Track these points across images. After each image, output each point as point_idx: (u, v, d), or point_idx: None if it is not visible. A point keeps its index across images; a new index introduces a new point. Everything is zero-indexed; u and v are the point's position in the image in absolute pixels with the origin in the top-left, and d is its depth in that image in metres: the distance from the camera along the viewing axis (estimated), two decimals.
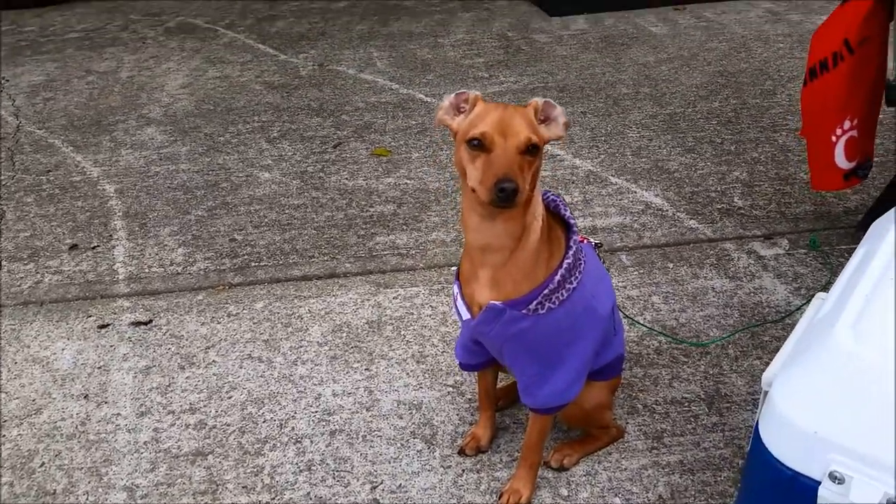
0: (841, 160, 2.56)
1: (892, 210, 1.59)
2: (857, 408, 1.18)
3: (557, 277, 1.61)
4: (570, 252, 1.64)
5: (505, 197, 1.42)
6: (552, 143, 3.61)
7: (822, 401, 1.22)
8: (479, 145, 1.48)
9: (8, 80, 4.85)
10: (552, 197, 1.71)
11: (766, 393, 1.42)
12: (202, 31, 5.63)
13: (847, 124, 2.52)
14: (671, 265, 2.71)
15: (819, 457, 1.20)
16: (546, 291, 1.60)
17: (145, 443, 2.10)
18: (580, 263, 1.67)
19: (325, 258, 2.86)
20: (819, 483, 1.20)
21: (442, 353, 2.35)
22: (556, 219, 1.71)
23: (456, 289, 1.73)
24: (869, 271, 1.40)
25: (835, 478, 1.18)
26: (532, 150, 1.49)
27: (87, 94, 4.57)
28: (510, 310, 1.61)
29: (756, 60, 4.50)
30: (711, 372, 2.23)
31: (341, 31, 5.50)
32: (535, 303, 1.60)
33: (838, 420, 1.19)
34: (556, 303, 1.62)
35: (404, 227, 3.02)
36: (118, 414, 2.20)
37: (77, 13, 6.33)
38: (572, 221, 1.69)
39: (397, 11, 5.90)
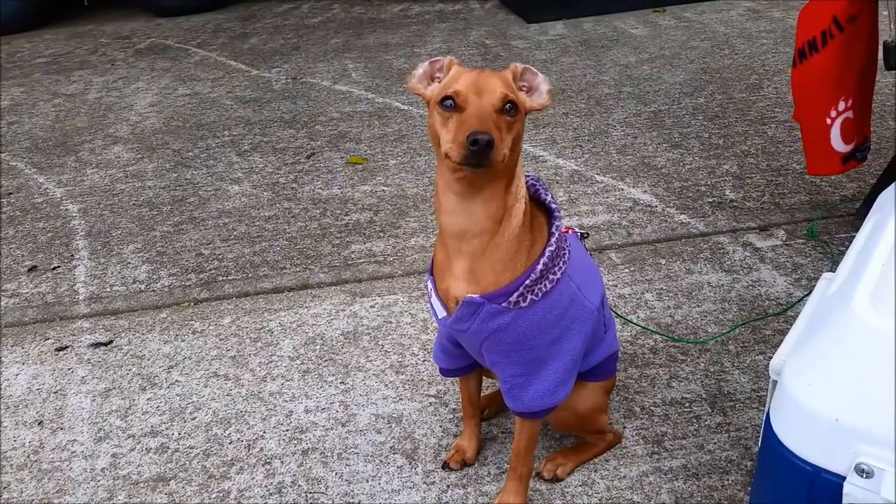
0: (838, 143, 2.43)
1: None
2: (883, 389, 1.03)
3: (540, 266, 1.46)
4: (553, 239, 1.50)
5: (479, 151, 1.26)
6: (535, 144, 3.49)
7: (843, 383, 1.07)
8: (451, 106, 1.34)
9: None
10: (531, 180, 1.56)
11: (774, 383, 1.27)
12: (173, 51, 5.50)
13: (842, 105, 2.39)
14: (663, 261, 2.56)
15: (843, 448, 1.05)
16: (528, 282, 1.45)
17: (103, 469, 1.93)
18: (564, 252, 1.52)
19: (298, 269, 2.70)
20: (844, 478, 1.05)
21: (422, 362, 2.19)
22: (537, 204, 1.56)
23: (430, 284, 1.57)
24: (883, 241, 1.26)
25: (862, 471, 1.03)
26: (510, 110, 1.35)
27: (53, 116, 4.42)
28: (488, 303, 1.46)
29: (740, 56, 4.39)
30: (712, 370, 2.08)
31: (315, 45, 5.38)
32: (515, 294, 1.45)
33: (863, 404, 1.04)
34: (539, 295, 1.47)
35: (381, 234, 2.87)
36: (74, 440, 2.03)
37: (45, 39, 6.18)
38: (554, 206, 1.54)
39: (372, 24, 5.79)
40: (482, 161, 1.29)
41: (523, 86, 1.46)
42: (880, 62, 2.49)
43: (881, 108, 3.38)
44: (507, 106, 1.35)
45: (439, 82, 1.45)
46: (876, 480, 1.02)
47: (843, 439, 1.04)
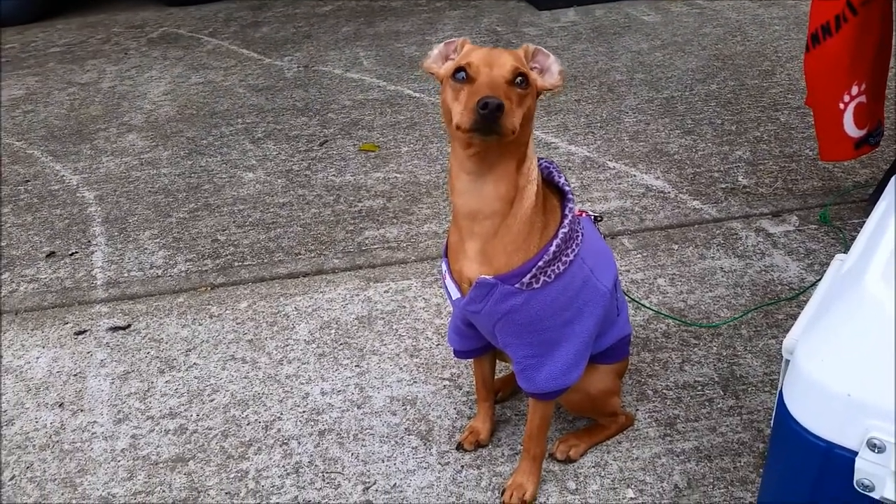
0: (851, 128, 2.43)
1: None
2: (894, 365, 1.05)
3: (553, 248, 1.48)
4: (566, 221, 1.51)
5: (489, 114, 1.27)
6: (547, 130, 3.50)
7: (855, 359, 1.09)
8: (464, 78, 1.36)
9: None
10: (545, 163, 1.58)
11: (787, 362, 1.28)
12: (185, 40, 5.52)
13: (855, 90, 2.39)
14: (676, 247, 2.57)
15: (855, 423, 1.06)
16: (541, 263, 1.47)
17: (123, 450, 1.96)
18: (577, 234, 1.54)
19: (312, 255, 2.72)
20: (856, 454, 1.07)
21: (436, 345, 2.21)
22: (550, 187, 1.58)
23: (444, 266, 1.59)
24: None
25: (874, 446, 1.05)
26: (521, 83, 1.37)
27: (68, 105, 4.45)
28: (501, 284, 1.48)
29: (752, 43, 4.38)
30: (724, 354, 2.09)
31: (327, 33, 5.39)
32: (528, 276, 1.47)
33: (874, 380, 1.05)
34: (552, 276, 1.49)
35: (395, 220, 2.89)
36: (94, 422, 2.07)
37: (59, 29, 6.22)
38: (567, 188, 1.56)
39: (384, 12, 5.79)
40: (492, 126, 1.29)
41: (535, 67, 1.48)
42: (895, 46, 2.48)
43: (895, 93, 3.37)
44: (519, 79, 1.37)
45: (453, 61, 1.47)
46: (887, 455, 1.03)
47: (854, 415, 1.06)
